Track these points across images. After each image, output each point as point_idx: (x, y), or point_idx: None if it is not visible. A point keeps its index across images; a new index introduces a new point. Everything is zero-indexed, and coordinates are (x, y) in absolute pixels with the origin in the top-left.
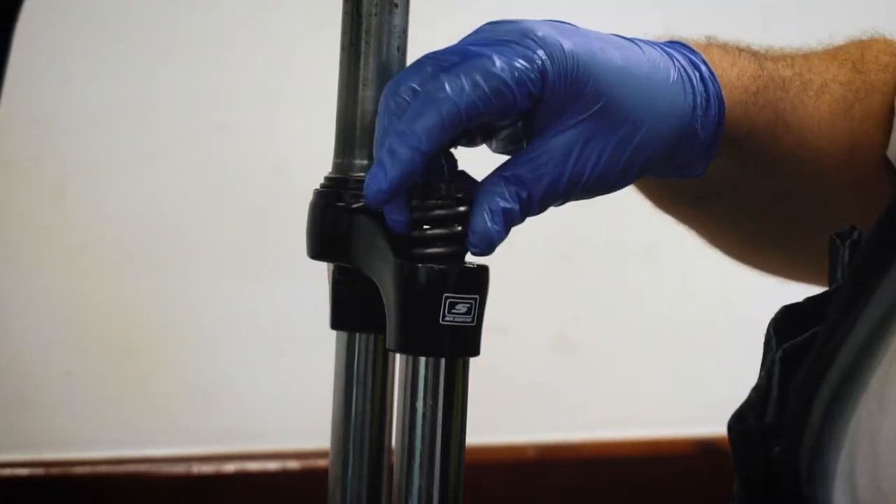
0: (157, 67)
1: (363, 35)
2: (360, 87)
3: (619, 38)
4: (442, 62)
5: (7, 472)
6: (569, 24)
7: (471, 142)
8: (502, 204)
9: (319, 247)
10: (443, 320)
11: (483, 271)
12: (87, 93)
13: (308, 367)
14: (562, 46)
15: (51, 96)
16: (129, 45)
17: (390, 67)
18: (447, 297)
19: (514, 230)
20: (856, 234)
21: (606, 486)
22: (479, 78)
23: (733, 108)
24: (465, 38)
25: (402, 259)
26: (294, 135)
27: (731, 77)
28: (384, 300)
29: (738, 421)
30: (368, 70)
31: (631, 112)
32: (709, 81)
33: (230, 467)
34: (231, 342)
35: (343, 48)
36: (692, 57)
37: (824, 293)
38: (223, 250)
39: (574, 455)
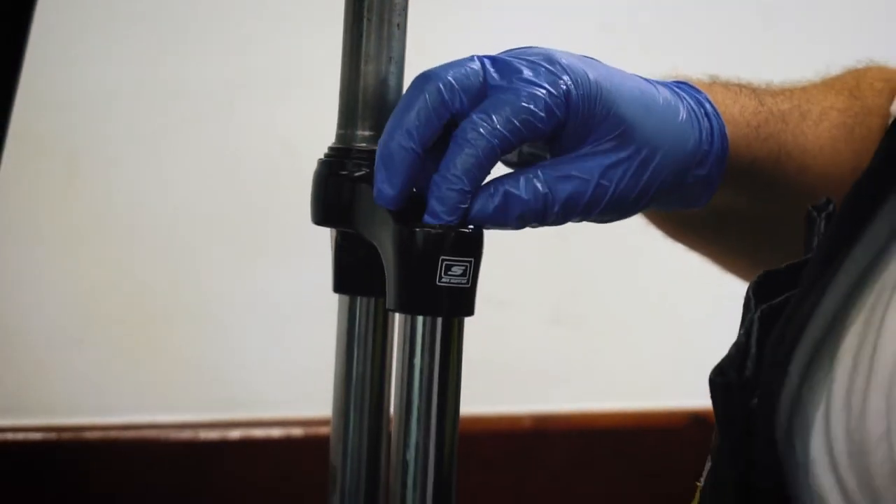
0: (171, 49)
1: (365, 13)
2: (363, 62)
3: (635, 76)
4: (473, 84)
5: (21, 436)
6: (591, 58)
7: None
8: (507, 186)
9: (323, 213)
10: (439, 282)
11: (478, 235)
12: (101, 72)
13: (312, 338)
14: (586, 73)
15: (64, 75)
16: (143, 25)
17: (391, 43)
18: (443, 260)
19: None
20: (831, 207)
21: (600, 455)
22: (510, 115)
23: (736, 143)
24: (496, 55)
25: (400, 224)
26: (300, 115)
27: (734, 113)
28: (384, 263)
29: (719, 374)
30: (370, 46)
31: (651, 138)
32: (713, 118)
33: (235, 434)
34: (237, 313)
35: (346, 25)
36: (698, 96)
37: (802, 260)
38: (230, 226)
39: (569, 425)
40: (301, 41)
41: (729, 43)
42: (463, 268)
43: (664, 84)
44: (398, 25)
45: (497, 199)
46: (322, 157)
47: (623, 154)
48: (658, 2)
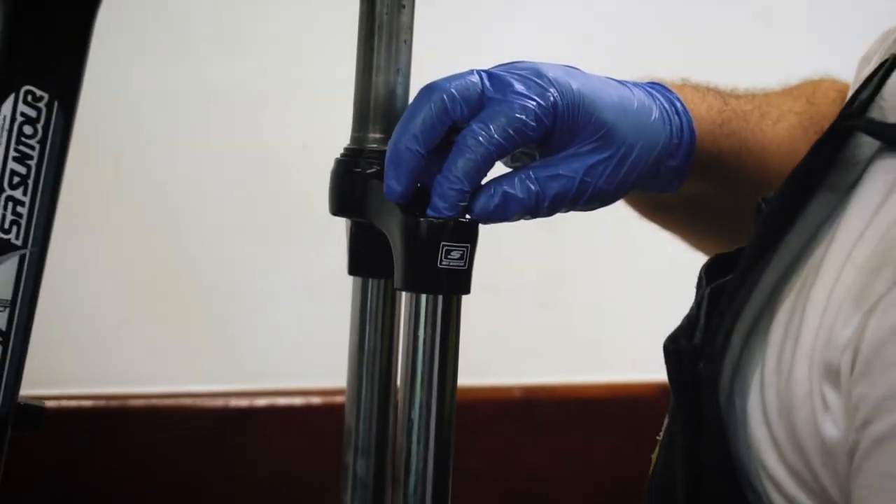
0: (206, 61)
1: (376, 31)
2: (374, 73)
3: (613, 81)
4: (472, 95)
5: (74, 403)
6: (574, 68)
7: None
8: (505, 187)
9: (339, 205)
10: (440, 264)
11: (474, 224)
12: (144, 78)
13: (329, 316)
14: (570, 85)
15: (112, 80)
16: (182, 37)
17: (399, 56)
18: (444, 245)
19: None
20: None
21: (581, 421)
22: (504, 124)
23: (703, 137)
24: (491, 69)
25: (407, 214)
26: (316, 119)
27: (701, 111)
28: (392, 248)
29: (673, 342)
30: (380, 59)
31: (627, 137)
32: (682, 115)
33: (262, 402)
34: (264, 296)
35: (359, 41)
36: (669, 96)
37: (747, 246)
38: (256, 215)
39: (554, 395)
40: (319, 55)
41: (709, 54)
42: (461, 252)
43: (639, 86)
44: (405, 41)
45: (497, 199)
46: (338, 156)
47: (604, 154)
48: (638, 15)
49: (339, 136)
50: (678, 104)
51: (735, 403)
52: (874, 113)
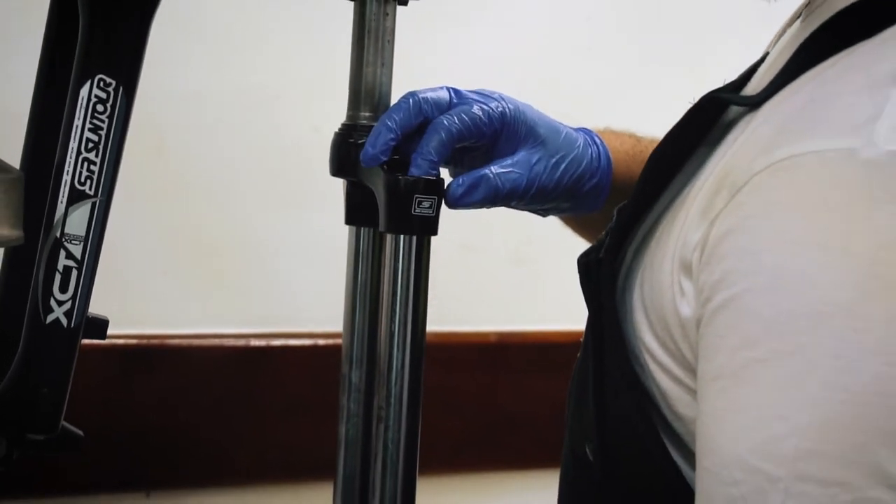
0: (231, 58)
1: (366, 34)
2: (364, 66)
3: (548, 116)
4: (442, 102)
5: (121, 341)
6: (524, 103)
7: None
8: (470, 179)
9: (337, 167)
10: (414, 212)
11: (440, 181)
12: (179, 75)
13: (332, 270)
14: (516, 104)
15: (153, 77)
16: (212, 39)
17: (384, 53)
18: (416, 197)
19: None
20: None
21: (546, 363)
22: (464, 116)
23: (618, 165)
24: (457, 88)
25: (389, 174)
26: (324, 105)
27: (616, 146)
28: (378, 201)
29: (584, 256)
30: (369, 55)
31: (560, 148)
32: (600, 146)
33: (276, 342)
34: (279, 252)
35: (353, 42)
36: (591, 133)
37: None
38: (275, 186)
39: (524, 340)
40: (326, 56)
41: (707, 34)
42: (430, 202)
43: (568, 126)
44: (388, 41)
45: (463, 189)
46: (337, 130)
47: (544, 154)
48: (628, 14)
49: (342, 118)
50: (597, 139)
51: (625, 298)
52: (742, 92)
